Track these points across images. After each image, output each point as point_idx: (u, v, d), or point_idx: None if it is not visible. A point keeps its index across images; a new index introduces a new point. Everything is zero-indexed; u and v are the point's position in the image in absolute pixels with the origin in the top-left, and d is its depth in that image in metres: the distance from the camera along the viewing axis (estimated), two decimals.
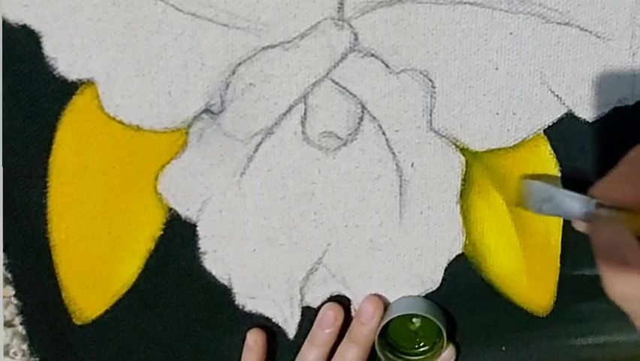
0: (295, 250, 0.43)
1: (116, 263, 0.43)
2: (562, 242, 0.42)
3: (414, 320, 0.44)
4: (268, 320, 0.45)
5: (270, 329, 0.45)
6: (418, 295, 0.44)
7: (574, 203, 0.37)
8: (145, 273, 0.43)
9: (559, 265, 0.43)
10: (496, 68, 0.40)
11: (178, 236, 0.43)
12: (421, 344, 0.44)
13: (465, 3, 0.39)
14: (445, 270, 0.44)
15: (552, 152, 0.41)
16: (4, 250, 0.43)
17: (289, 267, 0.44)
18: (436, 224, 0.43)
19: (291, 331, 0.45)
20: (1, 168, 0.41)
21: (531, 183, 0.39)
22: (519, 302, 0.44)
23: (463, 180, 0.42)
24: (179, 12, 0.39)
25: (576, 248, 0.42)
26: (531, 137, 0.41)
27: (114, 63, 0.39)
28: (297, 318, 0.45)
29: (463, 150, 0.41)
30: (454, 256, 0.43)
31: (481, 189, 0.42)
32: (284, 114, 0.41)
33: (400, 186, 0.42)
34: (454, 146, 0.41)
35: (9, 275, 0.43)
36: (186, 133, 0.41)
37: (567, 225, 0.42)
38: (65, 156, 0.41)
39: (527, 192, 0.40)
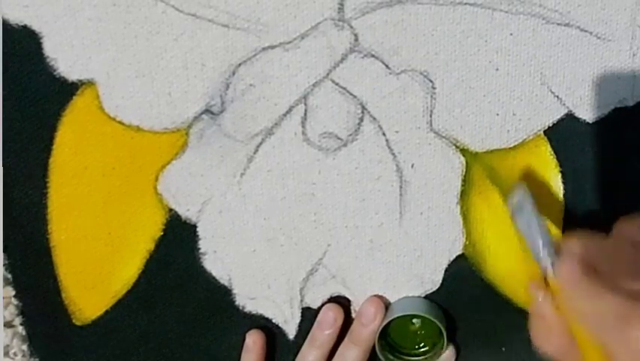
0: (295, 250, 0.43)
1: (115, 264, 0.43)
2: None
3: (414, 320, 0.44)
4: (268, 320, 0.45)
5: (270, 330, 0.45)
6: (419, 296, 0.44)
7: (536, 236, 0.36)
8: (145, 274, 0.43)
9: None
10: (497, 69, 0.40)
11: (178, 237, 0.43)
12: (421, 345, 0.44)
13: (465, 4, 0.39)
14: (445, 271, 0.44)
15: (552, 152, 0.41)
16: (4, 251, 0.43)
17: (289, 268, 0.44)
18: (436, 225, 0.43)
19: (290, 332, 0.45)
20: (1, 168, 0.41)
21: (521, 189, 0.38)
22: (519, 302, 0.44)
23: (463, 180, 0.42)
24: (179, 13, 0.39)
25: None
26: (531, 137, 0.41)
27: (114, 64, 0.39)
28: (297, 319, 0.45)
29: (463, 151, 0.41)
30: (454, 256, 0.43)
31: (481, 190, 0.42)
32: (284, 115, 0.41)
33: (400, 187, 0.42)
34: (454, 146, 0.41)
35: (9, 276, 0.43)
36: (186, 134, 0.41)
37: (567, 225, 0.42)
38: (65, 156, 0.41)
39: (513, 193, 0.39)
